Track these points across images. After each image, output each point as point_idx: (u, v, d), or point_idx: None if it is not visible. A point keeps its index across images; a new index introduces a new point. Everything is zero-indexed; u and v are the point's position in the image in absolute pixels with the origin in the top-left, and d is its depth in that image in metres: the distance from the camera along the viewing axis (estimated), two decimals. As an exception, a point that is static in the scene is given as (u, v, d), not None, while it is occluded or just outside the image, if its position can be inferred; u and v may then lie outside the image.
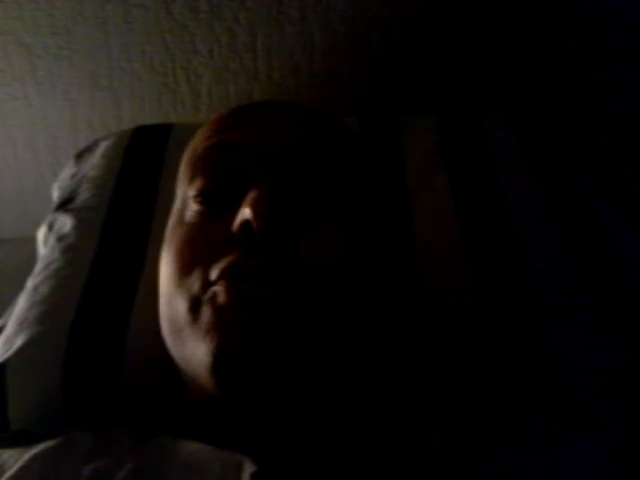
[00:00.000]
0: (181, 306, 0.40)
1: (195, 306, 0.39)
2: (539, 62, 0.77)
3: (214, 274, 0.39)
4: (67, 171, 0.69)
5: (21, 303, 0.55)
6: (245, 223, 0.38)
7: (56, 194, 0.67)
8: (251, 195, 0.39)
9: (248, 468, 0.35)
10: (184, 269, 0.41)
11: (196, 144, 0.47)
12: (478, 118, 0.65)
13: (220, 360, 0.37)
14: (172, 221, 0.46)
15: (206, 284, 0.39)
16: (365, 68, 0.78)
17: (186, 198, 0.45)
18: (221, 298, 0.37)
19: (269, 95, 0.78)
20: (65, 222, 0.60)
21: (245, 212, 0.39)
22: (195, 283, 0.39)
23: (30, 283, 0.57)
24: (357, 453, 0.39)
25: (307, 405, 0.39)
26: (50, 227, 0.62)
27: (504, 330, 0.50)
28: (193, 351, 0.38)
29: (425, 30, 0.76)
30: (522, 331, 0.49)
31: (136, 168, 0.63)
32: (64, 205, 0.63)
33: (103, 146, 0.67)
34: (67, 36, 0.76)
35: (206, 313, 0.38)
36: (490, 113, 0.67)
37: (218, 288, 0.38)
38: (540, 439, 0.40)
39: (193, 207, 0.43)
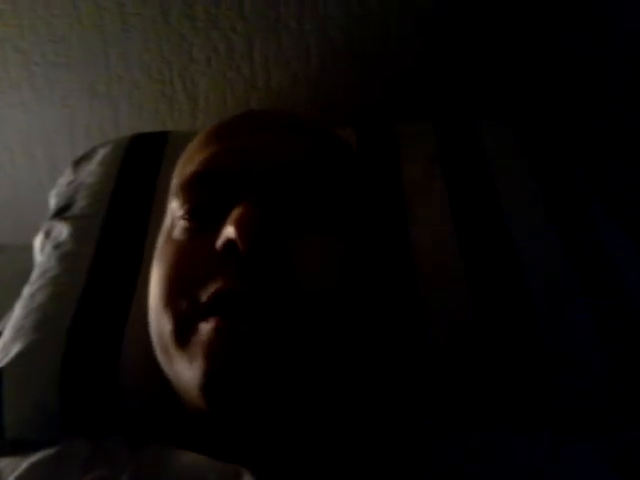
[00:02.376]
0: (167, 326, 0.39)
1: (181, 330, 0.39)
2: (534, 68, 0.78)
3: (202, 297, 0.38)
4: (64, 178, 0.69)
5: (17, 311, 0.55)
6: (230, 242, 0.38)
7: (53, 201, 0.67)
8: (235, 212, 0.38)
9: (246, 479, 0.35)
10: (171, 289, 0.40)
11: (185, 162, 0.46)
12: (474, 124, 0.66)
13: (209, 384, 0.36)
14: (161, 237, 0.46)
15: (193, 307, 0.38)
16: (362, 76, 0.78)
17: (174, 215, 0.44)
18: (209, 334, 0.37)
19: (266, 103, 0.79)
20: (62, 230, 0.60)
21: (229, 231, 0.37)
22: (182, 304, 0.39)
23: (27, 291, 0.57)
24: (353, 463, 0.39)
25: (302, 417, 0.39)
26: (47, 234, 0.62)
27: (502, 338, 0.50)
28: (181, 371, 0.39)
29: (422, 37, 0.76)
30: (520, 338, 0.49)
31: (133, 176, 0.63)
32: (61, 212, 0.63)
33: (100, 153, 0.67)
34: (65, 44, 0.76)
35: (194, 342, 0.38)
36: (485, 119, 0.67)
37: (206, 325, 0.37)
38: (539, 446, 0.40)
39: (181, 223, 0.43)
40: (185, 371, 0.38)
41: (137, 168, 0.64)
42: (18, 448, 0.45)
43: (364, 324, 0.43)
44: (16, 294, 0.58)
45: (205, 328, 0.37)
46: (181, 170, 0.47)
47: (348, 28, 0.74)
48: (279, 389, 0.37)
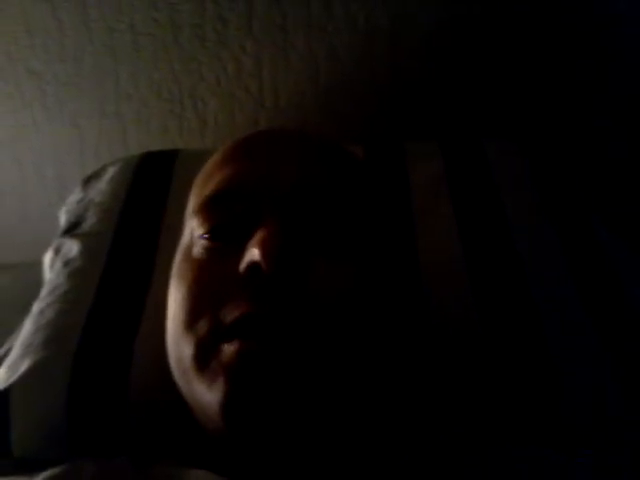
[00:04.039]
0: (188, 350, 0.39)
1: (202, 353, 0.38)
2: (539, 88, 0.78)
3: (225, 319, 0.38)
4: (74, 196, 0.69)
5: (27, 327, 0.55)
6: (253, 264, 0.38)
7: (63, 219, 0.67)
8: (258, 235, 0.38)
9: None
10: (192, 310, 0.40)
11: (204, 182, 0.47)
12: (479, 143, 0.66)
13: (230, 406, 0.36)
14: (180, 255, 0.46)
15: (214, 331, 0.38)
16: (370, 95, 0.79)
17: (194, 234, 0.44)
18: (232, 357, 0.37)
19: (274, 122, 0.79)
20: (71, 247, 0.60)
21: (253, 253, 0.37)
22: (203, 327, 0.39)
23: (36, 307, 0.57)
24: None
25: (317, 439, 0.39)
26: (56, 251, 0.62)
27: (511, 359, 0.50)
28: (201, 393, 0.38)
29: (429, 56, 0.77)
30: (528, 358, 0.49)
31: (143, 193, 0.64)
32: (71, 230, 0.63)
33: (110, 171, 0.68)
34: (76, 63, 0.78)
35: (214, 365, 0.37)
36: (490, 138, 0.68)
37: (228, 348, 0.37)
38: (543, 467, 0.40)
39: (201, 243, 0.43)
40: (205, 394, 0.38)
41: (146, 186, 0.65)
42: (24, 467, 0.45)
43: (379, 343, 0.43)
44: (25, 311, 0.58)
45: (227, 350, 0.37)
46: (200, 189, 0.47)
47: (355, 46, 0.75)
48: (298, 411, 0.37)
